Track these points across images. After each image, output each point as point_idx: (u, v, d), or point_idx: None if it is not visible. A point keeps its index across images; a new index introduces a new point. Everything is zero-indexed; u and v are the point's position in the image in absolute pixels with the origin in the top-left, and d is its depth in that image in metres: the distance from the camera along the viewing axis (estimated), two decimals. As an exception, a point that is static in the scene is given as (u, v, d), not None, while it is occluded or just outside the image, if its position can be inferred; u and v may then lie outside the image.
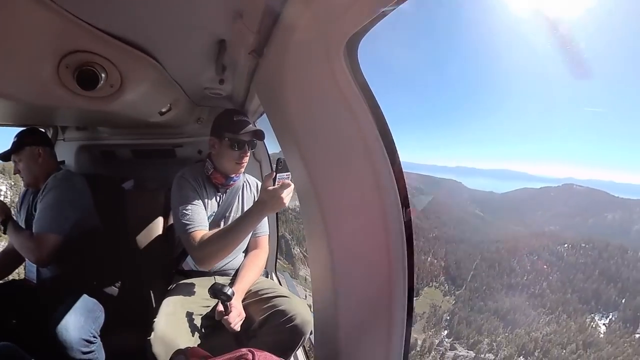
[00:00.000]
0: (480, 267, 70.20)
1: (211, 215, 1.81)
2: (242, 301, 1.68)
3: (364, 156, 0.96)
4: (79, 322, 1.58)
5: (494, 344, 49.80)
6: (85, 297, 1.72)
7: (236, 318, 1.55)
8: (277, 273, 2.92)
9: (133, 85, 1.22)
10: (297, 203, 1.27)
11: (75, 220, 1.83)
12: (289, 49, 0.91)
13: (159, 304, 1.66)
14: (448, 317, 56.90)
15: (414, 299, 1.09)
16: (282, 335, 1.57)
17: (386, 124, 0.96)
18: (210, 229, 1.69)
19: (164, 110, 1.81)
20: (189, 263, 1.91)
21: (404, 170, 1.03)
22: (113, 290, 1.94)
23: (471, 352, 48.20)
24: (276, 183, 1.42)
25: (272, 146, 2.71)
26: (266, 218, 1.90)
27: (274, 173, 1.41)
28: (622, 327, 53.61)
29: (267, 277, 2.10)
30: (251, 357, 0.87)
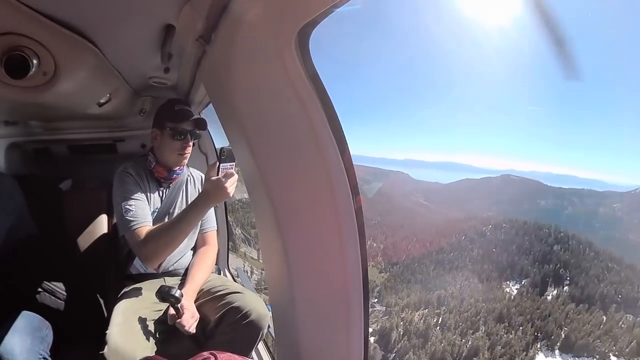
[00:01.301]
0: (414, 247, 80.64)
1: (154, 211, 1.73)
2: (195, 301, 1.62)
3: (314, 147, 0.94)
4: (25, 343, 1.39)
5: (402, 301, 64.04)
6: (28, 314, 1.51)
7: (190, 320, 1.50)
8: (230, 268, 2.82)
9: (69, 73, 1.12)
10: (244, 195, 1.20)
11: (9, 227, 1.63)
12: (237, 36, 0.88)
13: (110, 313, 1.56)
14: (379, 288, 68.67)
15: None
16: (240, 332, 1.54)
17: (336, 115, 0.95)
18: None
19: (102, 100, 1.68)
20: (137, 266, 1.81)
21: (354, 163, 1.04)
22: (58, 303, 1.75)
23: (384, 307, 63.46)
24: (220, 173, 1.38)
25: (220, 139, 2.61)
26: (213, 212, 1.88)
27: (218, 163, 1.38)
28: (531, 290, 65.72)
29: (219, 273, 2.06)
30: None
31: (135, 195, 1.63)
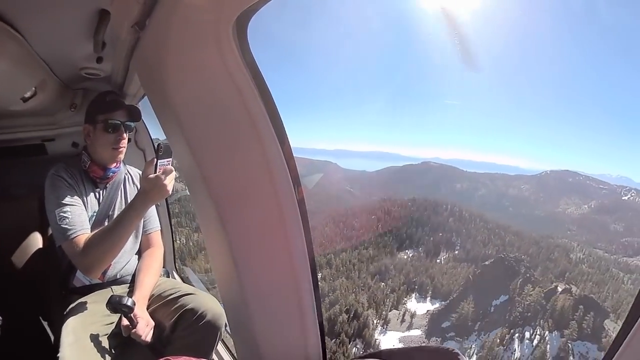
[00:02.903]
0: (329, 227, 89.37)
1: (92, 215, 1.57)
2: (147, 308, 1.50)
3: (253, 138, 0.88)
4: None
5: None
6: None
7: (145, 328, 1.37)
8: (179, 269, 2.62)
9: None
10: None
11: None
12: (173, 23, 0.81)
13: (57, 334, 1.39)
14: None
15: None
16: (197, 335, 1.44)
17: (274, 105, 0.91)
18: (93, 231, 1.47)
19: (27, 95, 1.50)
20: (80, 278, 1.62)
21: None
22: None
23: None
24: (157, 169, 1.29)
25: (158, 134, 2.34)
26: (155, 212, 1.76)
27: (155, 159, 1.29)
28: (423, 254, 76.65)
29: (167, 276, 1.92)
30: None
31: (70, 200, 1.46)
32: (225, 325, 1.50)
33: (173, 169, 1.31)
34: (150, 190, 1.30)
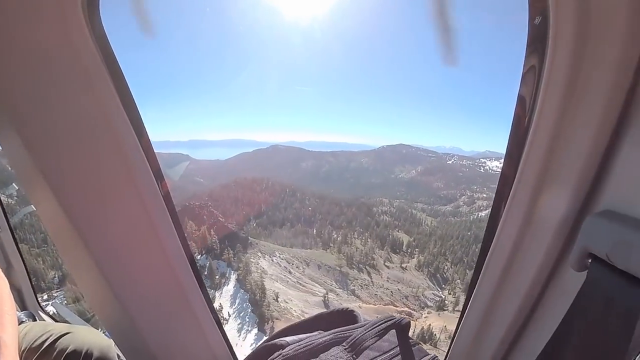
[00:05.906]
0: None
1: None
2: None
3: (106, 130, 0.75)
4: None
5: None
6: None
7: None
8: (43, 307, 2.12)
9: None
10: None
11: None
12: None
13: None
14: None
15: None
16: None
17: (129, 91, 0.78)
18: None
19: None
20: None
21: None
22: None
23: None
24: None
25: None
26: None
27: None
28: (267, 226, 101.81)
29: (33, 319, 1.62)
30: None
31: None
32: (119, 356, 1.30)
33: None
34: None
